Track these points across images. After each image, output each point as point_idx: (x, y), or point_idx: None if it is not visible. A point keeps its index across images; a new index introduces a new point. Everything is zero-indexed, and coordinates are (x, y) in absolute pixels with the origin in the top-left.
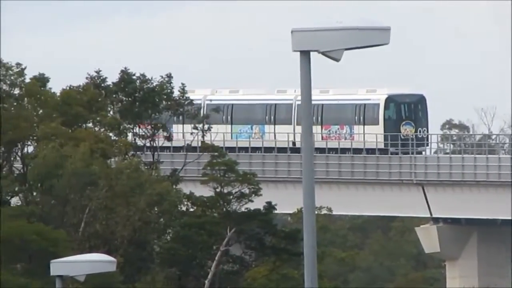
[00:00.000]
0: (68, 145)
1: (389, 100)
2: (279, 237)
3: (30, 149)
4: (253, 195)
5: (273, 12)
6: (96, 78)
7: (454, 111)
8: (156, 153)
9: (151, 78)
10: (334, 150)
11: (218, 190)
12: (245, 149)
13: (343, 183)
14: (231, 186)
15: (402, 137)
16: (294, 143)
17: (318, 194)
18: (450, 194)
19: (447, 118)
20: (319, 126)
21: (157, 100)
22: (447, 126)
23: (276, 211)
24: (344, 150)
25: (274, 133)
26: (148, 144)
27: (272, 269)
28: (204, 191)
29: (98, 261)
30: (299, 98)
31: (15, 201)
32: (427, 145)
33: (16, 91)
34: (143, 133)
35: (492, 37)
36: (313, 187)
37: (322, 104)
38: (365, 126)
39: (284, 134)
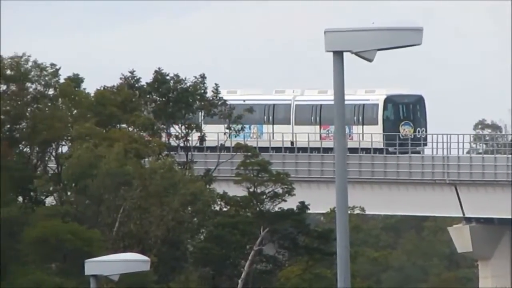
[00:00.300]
0: (102, 145)
1: (388, 100)
2: (312, 236)
3: (65, 149)
4: (286, 194)
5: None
6: (130, 78)
7: (486, 111)
8: (189, 153)
9: (185, 78)
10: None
11: (251, 190)
12: (279, 149)
13: (376, 183)
14: (264, 186)
15: (401, 137)
16: (292, 143)
17: (351, 194)
18: (482, 194)
19: (479, 118)
20: (317, 126)
21: (191, 100)
22: (479, 126)
23: (309, 211)
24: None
25: (273, 132)
26: (181, 144)
27: (305, 269)
28: (238, 191)
29: (132, 260)
30: (297, 98)
31: (49, 201)
32: (425, 145)
33: (51, 91)
34: (177, 133)
35: (492, 37)
36: (346, 187)
37: (321, 105)
38: (364, 126)
39: (282, 134)
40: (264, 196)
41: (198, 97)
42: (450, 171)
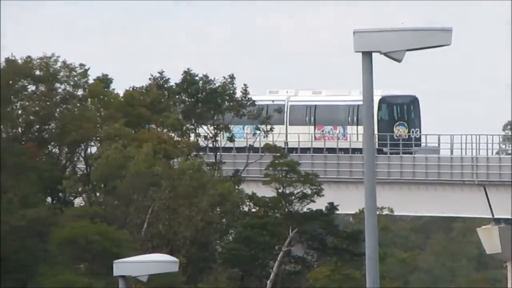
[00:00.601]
0: (131, 146)
1: (383, 101)
2: (341, 237)
3: (93, 149)
4: (315, 195)
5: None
6: (159, 79)
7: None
8: (218, 153)
9: (214, 79)
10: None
11: (280, 190)
12: (308, 150)
13: (405, 183)
14: (293, 187)
15: (396, 137)
16: (286, 143)
17: (379, 195)
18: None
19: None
20: (312, 127)
21: (219, 100)
22: (508, 126)
23: (338, 212)
24: (333, 150)
25: (266, 133)
26: (210, 145)
27: (334, 270)
28: (266, 192)
29: (161, 261)
30: (292, 99)
31: (78, 201)
32: (420, 145)
33: (80, 92)
34: (206, 134)
35: (492, 36)
36: (375, 188)
37: (315, 105)
38: (359, 127)
39: (275, 134)
40: (293, 197)
41: (227, 97)
42: (479, 171)
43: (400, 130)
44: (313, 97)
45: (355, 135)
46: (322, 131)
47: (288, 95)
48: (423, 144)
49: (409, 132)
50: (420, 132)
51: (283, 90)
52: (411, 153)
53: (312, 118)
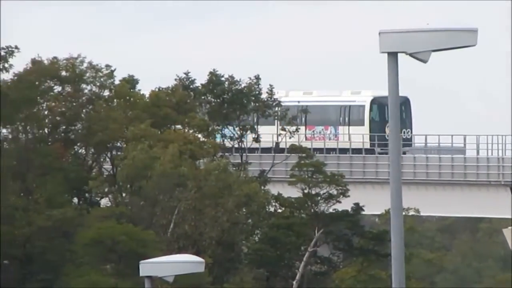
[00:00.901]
0: (157, 147)
1: (374, 101)
2: (367, 238)
3: (119, 150)
4: (341, 196)
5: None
6: (184, 79)
7: None
8: (244, 154)
9: (240, 79)
10: (320, 150)
11: (306, 191)
12: (334, 150)
13: (431, 184)
14: (319, 187)
15: (387, 138)
16: (277, 144)
17: (405, 195)
18: None
19: None
20: (303, 127)
21: (245, 101)
22: None
23: (363, 212)
24: (328, 150)
25: (258, 133)
26: (236, 145)
27: (359, 270)
28: (292, 192)
29: (187, 262)
30: (282, 99)
31: (104, 202)
32: (410, 145)
33: (106, 92)
34: (231, 134)
35: (492, 36)
36: (401, 188)
37: (307, 106)
38: (350, 127)
39: (268, 135)
40: (319, 198)
41: (253, 98)
42: (505, 172)
43: None
44: (304, 98)
45: (347, 135)
46: (313, 131)
47: (279, 96)
48: (447, 145)
49: (400, 132)
50: (411, 132)
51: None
52: (404, 153)
53: (303, 118)
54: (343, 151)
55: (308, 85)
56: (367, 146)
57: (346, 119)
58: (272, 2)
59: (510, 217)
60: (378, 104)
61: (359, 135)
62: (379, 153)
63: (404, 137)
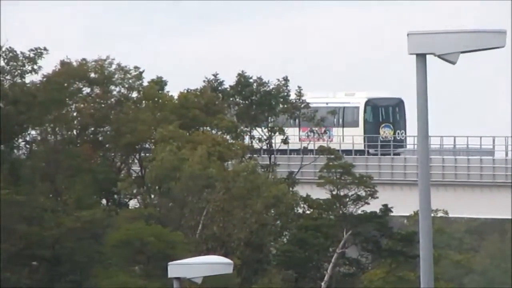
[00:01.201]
0: (185, 148)
1: (369, 103)
2: (395, 239)
3: (148, 152)
4: (369, 197)
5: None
6: (213, 81)
7: None
8: (272, 155)
9: (268, 81)
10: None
11: (334, 192)
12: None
13: (459, 185)
14: (347, 189)
15: (381, 139)
16: (270, 145)
17: (434, 197)
18: None
19: None
20: (297, 128)
21: (274, 103)
22: None
23: (392, 214)
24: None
25: (251, 135)
26: (264, 147)
27: (388, 272)
28: (321, 194)
29: (215, 263)
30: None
31: (133, 203)
32: (404, 147)
33: (134, 94)
34: (260, 136)
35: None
36: (429, 190)
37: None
38: (345, 129)
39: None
40: (347, 199)
41: (281, 99)
42: None
43: (386, 132)
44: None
45: (341, 137)
46: (307, 132)
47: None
48: (475, 146)
49: (394, 133)
50: (405, 133)
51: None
52: (398, 154)
53: (297, 120)
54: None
55: (333, 87)
56: (361, 147)
57: (341, 120)
58: (299, 2)
59: None
60: (373, 105)
61: (355, 137)
62: (373, 155)
63: (398, 138)
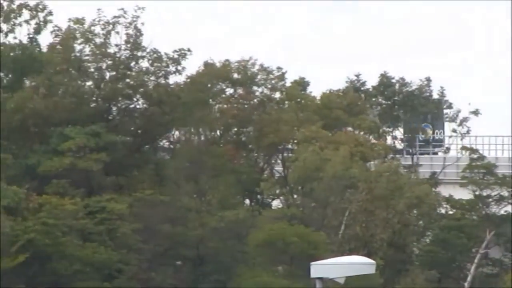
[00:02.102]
0: (328, 149)
1: None
2: None
3: (290, 152)
4: None
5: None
6: (355, 81)
7: None
8: (415, 156)
9: (410, 81)
10: None
11: (477, 193)
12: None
13: None
14: (490, 189)
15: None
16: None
17: None
18: None
19: None
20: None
21: (416, 103)
22: None
23: None
24: None
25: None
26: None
27: None
28: (463, 194)
29: (358, 263)
30: None
31: (276, 203)
32: (442, 146)
33: (277, 95)
34: (402, 136)
35: (492, 37)
36: None
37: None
38: None
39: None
40: (490, 199)
41: (424, 100)
42: None
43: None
44: None
45: None
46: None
47: None
48: None
49: (433, 133)
50: (444, 133)
51: None
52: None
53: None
54: None
55: None
56: None
57: None
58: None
59: None
60: None
61: None
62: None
63: (437, 138)
